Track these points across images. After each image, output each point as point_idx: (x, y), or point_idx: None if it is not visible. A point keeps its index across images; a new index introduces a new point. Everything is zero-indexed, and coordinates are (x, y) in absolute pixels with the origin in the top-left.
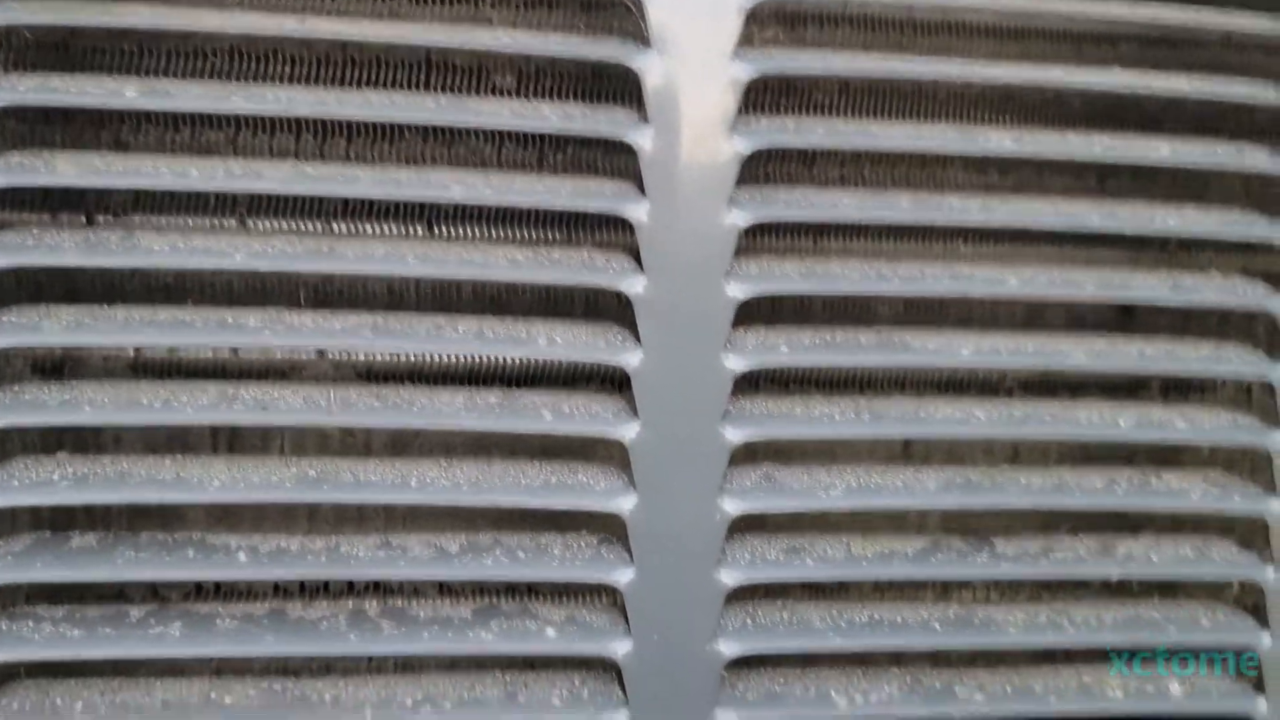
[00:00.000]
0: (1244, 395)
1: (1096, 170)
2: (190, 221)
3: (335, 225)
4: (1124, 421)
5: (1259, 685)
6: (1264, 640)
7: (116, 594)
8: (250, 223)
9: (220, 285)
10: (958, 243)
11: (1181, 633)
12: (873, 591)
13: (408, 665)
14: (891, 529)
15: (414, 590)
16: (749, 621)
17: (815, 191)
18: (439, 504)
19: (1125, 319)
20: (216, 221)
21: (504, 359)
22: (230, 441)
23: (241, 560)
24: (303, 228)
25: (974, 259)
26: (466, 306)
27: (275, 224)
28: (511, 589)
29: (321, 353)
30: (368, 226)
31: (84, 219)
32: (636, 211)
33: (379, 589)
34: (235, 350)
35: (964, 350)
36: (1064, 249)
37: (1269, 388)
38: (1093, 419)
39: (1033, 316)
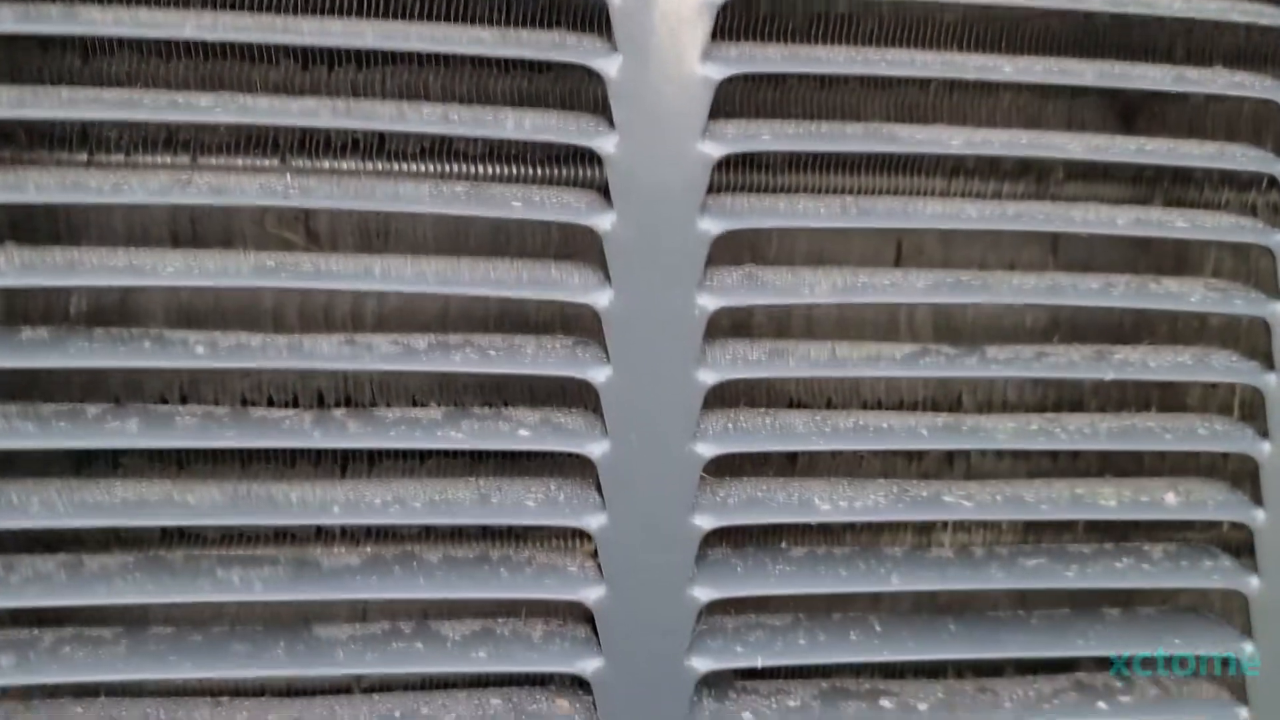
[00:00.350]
0: (1249, 210)
1: None
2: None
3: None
4: (1121, 220)
5: (1257, 498)
6: (1264, 449)
7: (76, 399)
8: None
9: (175, 79)
10: (953, 49)
11: (1178, 440)
12: (860, 408)
13: (377, 472)
14: (881, 338)
15: (386, 401)
16: (730, 425)
17: None
18: (404, 293)
19: (1126, 129)
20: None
21: (474, 167)
22: (190, 241)
23: (199, 353)
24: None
25: None
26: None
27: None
28: (486, 400)
29: (284, 160)
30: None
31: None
32: None
33: (349, 402)
34: (193, 158)
35: (954, 141)
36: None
37: (1275, 194)
38: (1088, 217)
39: (1030, 125)
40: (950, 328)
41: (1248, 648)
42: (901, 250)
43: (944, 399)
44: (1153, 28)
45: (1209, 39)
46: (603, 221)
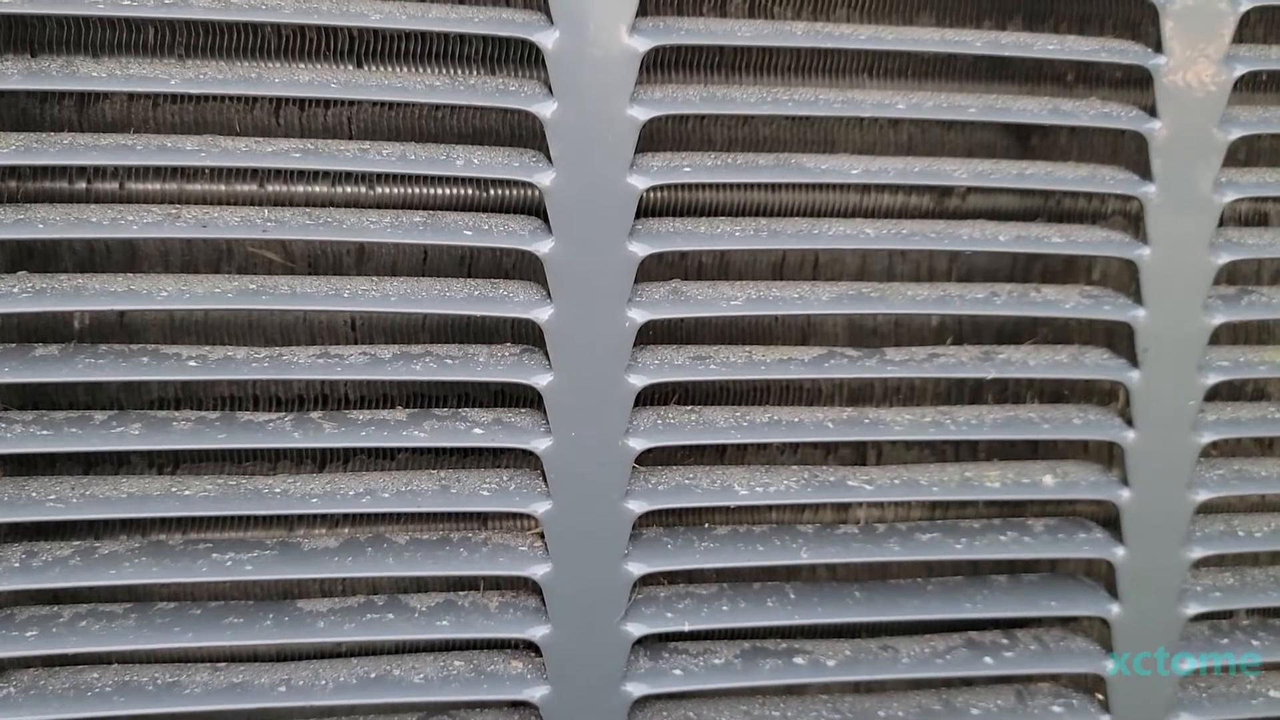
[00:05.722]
0: (1130, 222)
1: (994, 19)
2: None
3: (267, 63)
4: (1004, 236)
5: (1124, 479)
6: (1128, 436)
7: (82, 406)
8: (188, 63)
9: (162, 121)
10: (863, 76)
11: (1054, 430)
12: (783, 394)
13: (351, 467)
14: (800, 336)
15: (359, 397)
16: (659, 422)
17: (714, 21)
18: (368, 312)
19: (1020, 146)
20: (156, 61)
21: (432, 189)
22: (183, 254)
23: (191, 366)
24: (235, 63)
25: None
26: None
27: (212, 64)
28: (453, 393)
29: (261, 185)
30: (300, 64)
31: (29, 54)
32: (545, 38)
33: (325, 401)
34: (181, 187)
35: (854, 170)
36: (964, 84)
37: (1140, 209)
38: (974, 235)
39: (934, 145)
40: (862, 326)
41: (1114, 608)
42: (818, 263)
43: (861, 385)
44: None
45: (1097, 63)
46: (543, 247)
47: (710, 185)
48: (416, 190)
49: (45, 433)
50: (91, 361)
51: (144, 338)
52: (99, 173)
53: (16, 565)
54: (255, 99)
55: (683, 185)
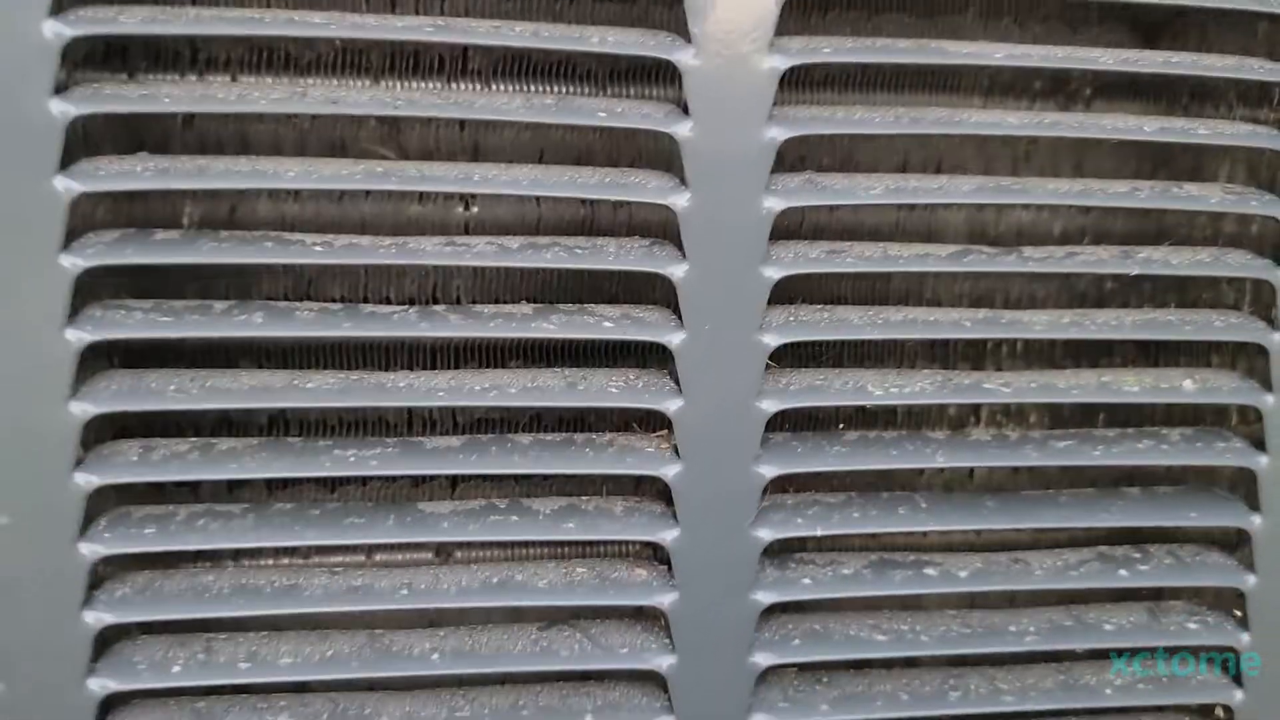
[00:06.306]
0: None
1: None
2: None
3: None
4: (1148, 127)
5: (1268, 383)
6: (1275, 338)
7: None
8: None
9: (283, 2)
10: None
11: (1196, 331)
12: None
13: (472, 366)
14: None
15: (473, 302)
16: (791, 319)
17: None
18: (490, 211)
19: None
20: None
21: (550, 86)
22: (303, 151)
23: (317, 250)
24: None
25: None
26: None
27: None
28: (570, 298)
29: (375, 80)
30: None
31: None
32: None
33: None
34: (301, 74)
35: (997, 55)
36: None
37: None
38: (1117, 125)
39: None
40: (984, 235)
41: (1256, 520)
42: (941, 170)
43: (986, 294)
44: None
45: None
46: (681, 129)
47: (838, 86)
48: (535, 87)
49: (166, 319)
50: (214, 245)
51: (267, 225)
52: (210, 64)
53: (135, 459)
54: None
55: (809, 86)
